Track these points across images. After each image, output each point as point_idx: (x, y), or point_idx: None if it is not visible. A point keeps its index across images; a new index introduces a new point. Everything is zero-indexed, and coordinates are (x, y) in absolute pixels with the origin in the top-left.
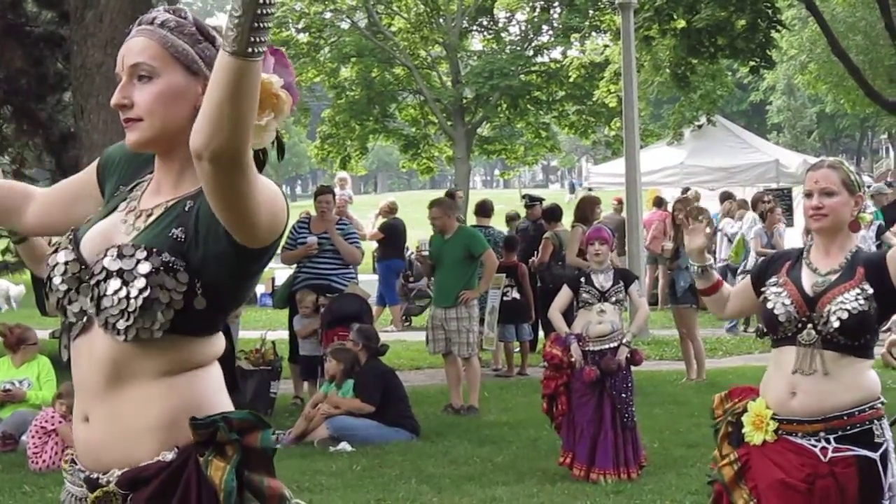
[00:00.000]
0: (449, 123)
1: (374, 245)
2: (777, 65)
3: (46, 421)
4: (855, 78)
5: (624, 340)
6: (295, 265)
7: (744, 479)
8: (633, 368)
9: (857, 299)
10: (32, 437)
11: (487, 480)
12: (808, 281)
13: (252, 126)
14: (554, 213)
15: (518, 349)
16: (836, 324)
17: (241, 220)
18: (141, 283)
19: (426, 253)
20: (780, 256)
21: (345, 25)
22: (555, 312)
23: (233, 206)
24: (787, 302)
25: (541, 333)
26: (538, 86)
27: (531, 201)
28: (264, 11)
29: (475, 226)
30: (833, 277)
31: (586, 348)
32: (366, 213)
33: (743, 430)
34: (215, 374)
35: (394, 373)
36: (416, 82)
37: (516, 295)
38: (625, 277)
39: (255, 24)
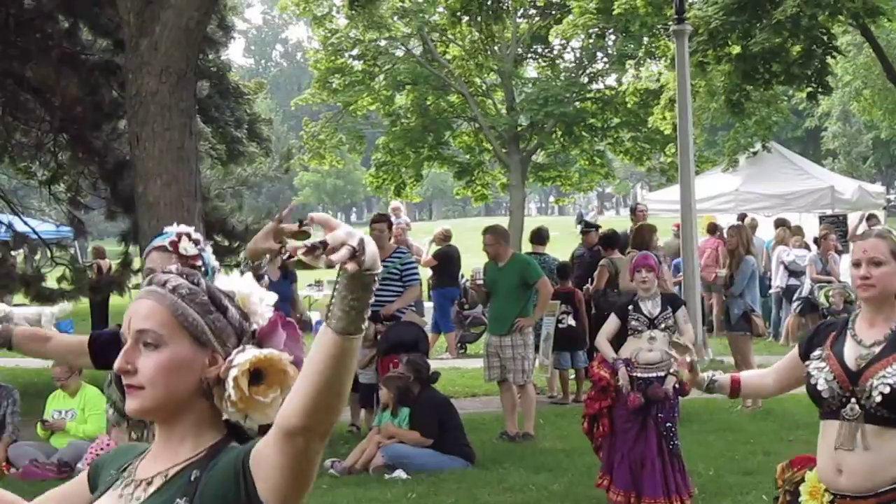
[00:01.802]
0: (504, 150)
1: (429, 272)
2: (833, 91)
3: (101, 448)
4: None
5: (671, 370)
6: None
7: None
8: (681, 399)
9: None
10: (87, 464)
11: None
12: (851, 353)
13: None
14: (610, 240)
15: (573, 376)
16: (879, 398)
17: (306, 485)
18: None
19: (480, 281)
20: (826, 326)
21: (399, 53)
22: (602, 339)
23: (308, 471)
24: (830, 377)
25: None
26: (593, 113)
27: (587, 227)
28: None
29: (530, 253)
30: (877, 350)
31: (633, 374)
32: (421, 240)
33: (800, 499)
34: None
35: (449, 402)
36: (470, 109)
37: (572, 322)
38: (672, 303)
39: (367, 306)
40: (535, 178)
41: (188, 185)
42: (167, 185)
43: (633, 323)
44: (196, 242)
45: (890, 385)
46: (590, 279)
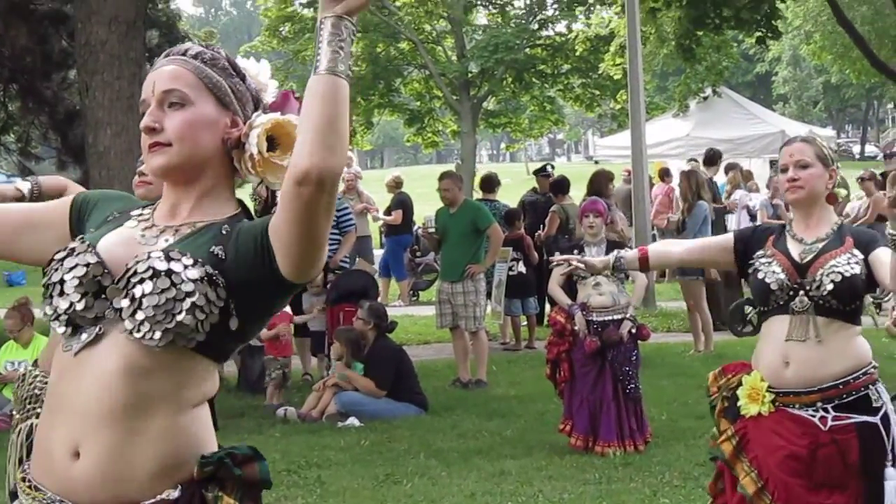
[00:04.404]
0: (454, 97)
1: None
2: (782, 35)
3: None
4: (860, 48)
5: (629, 315)
6: None
7: (743, 452)
8: (639, 343)
9: (848, 262)
10: None
11: (496, 454)
12: (795, 250)
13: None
14: (561, 187)
15: (525, 323)
16: (830, 286)
17: (314, 248)
18: (189, 287)
19: (432, 230)
20: (763, 230)
21: None
22: (554, 286)
23: (315, 231)
24: (778, 270)
25: (547, 307)
26: (543, 59)
27: (542, 172)
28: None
29: (481, 199)
30: (821, 245)
31: (589, 318)
32: (372, 190)
33: (738, 404)
34: (207, 412)
35: (403, 351)
36: (421, 57)
37: (522, 269)
38: (618, 249)
39: (349, 51)
40: (485, 125)
41: (139, 134)
42: (117, 135)
43: (578, 270)
44: None
45: (841, 273)
46: (541, 225)
